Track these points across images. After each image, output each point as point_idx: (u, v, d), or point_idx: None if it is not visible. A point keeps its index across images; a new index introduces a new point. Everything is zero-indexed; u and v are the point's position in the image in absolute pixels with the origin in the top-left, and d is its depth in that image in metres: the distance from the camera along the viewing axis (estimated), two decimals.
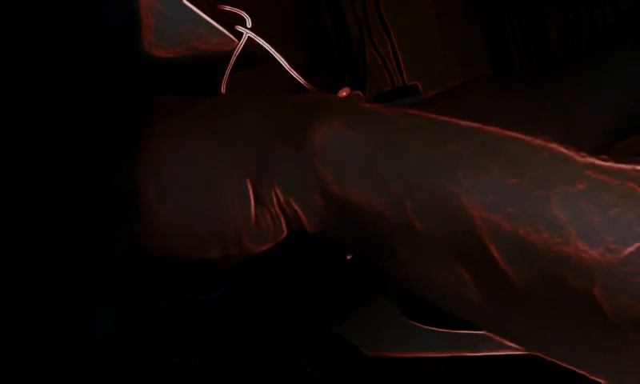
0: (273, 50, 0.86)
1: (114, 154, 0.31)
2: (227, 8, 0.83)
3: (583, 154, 0.28)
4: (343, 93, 0.95)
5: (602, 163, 0.27)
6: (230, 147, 0.31)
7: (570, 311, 0.27)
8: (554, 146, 0.28)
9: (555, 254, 0.26)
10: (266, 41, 0.85)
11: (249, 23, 0.83)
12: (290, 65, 0.87)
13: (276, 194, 0.31)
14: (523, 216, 0.26)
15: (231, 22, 0.81)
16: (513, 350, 0.45)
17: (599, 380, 0.28)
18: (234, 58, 0.81)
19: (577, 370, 0.28)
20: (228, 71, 0.82)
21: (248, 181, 0.31)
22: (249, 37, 0.82)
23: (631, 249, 0.25)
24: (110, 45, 0.31)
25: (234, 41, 0.80)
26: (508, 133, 0.29)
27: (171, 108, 0.32)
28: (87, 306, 0.29)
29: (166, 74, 0.80)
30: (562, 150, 0.28)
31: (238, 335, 0.38)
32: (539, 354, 0.29)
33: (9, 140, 0.28)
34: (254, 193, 0.31)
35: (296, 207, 0.31)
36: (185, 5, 0.62)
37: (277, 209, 0.31)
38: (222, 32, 0.74)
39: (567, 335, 0.28)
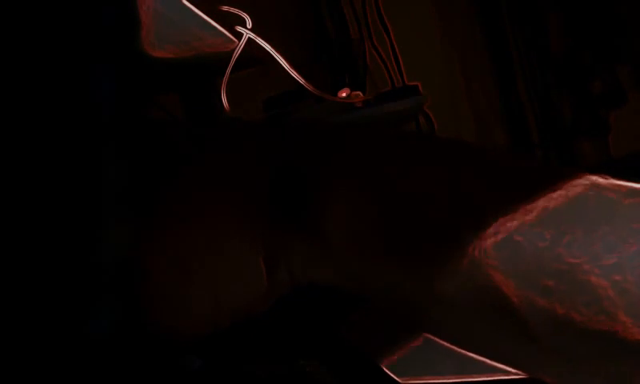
0: (273, 50, 0.86)
1: (115, 154, 0.31)
2: (227, 8, 0.83)
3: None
4: (343, 93, 0.95)
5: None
6: (238, 232, 0.30)
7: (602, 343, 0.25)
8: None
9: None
10: (265, 41, 0.85)
11: (249, 24, 0.83)
12: (289, 65, 0.87)
13: (289, 272, 0.31)
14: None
15: (231, 22, 0.81)
16: None
17: None
18: (234, 59, 0.81)
19: None
20: (228, 71, 0.82)
21: (262, 264, 0.30)
22: (249, 37, 0.82)
23: None
24: (110, 45, 0.31)
25: (234, 41, 0.80)
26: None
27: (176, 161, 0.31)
28: (86, 306, 0.30)
29: (166, 74, 0.80)
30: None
31: (238, 335, 0.38)
32: None
33: (7, 139, 0.29)
34: (268, 278, 0.30)
35: (307, 279, 0.31)
36: (185, 5, 0.62)
37: (287, 283, 0.31)
38: (222, 32, 0.74)
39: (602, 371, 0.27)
